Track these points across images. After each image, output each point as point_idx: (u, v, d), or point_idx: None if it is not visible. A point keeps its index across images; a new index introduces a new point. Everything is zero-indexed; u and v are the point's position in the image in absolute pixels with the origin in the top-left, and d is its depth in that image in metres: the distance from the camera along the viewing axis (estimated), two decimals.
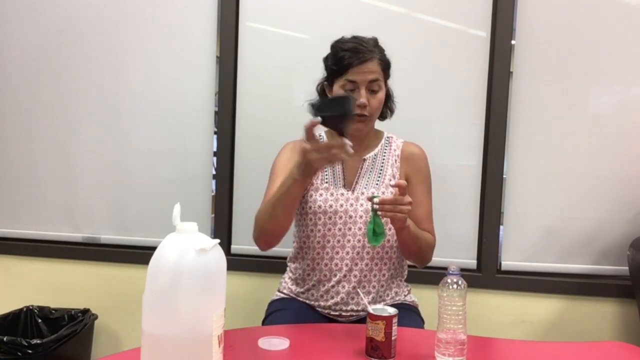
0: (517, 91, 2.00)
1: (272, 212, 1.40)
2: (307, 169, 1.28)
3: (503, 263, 2.04)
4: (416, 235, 1.44)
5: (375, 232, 1.34)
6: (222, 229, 2.12)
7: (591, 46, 1.97)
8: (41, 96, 2.21)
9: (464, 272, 1.18)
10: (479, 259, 2.04)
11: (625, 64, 1.96)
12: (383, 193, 1.48)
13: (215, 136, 2.14)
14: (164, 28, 2.13)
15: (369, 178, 1.53)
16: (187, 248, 0.91)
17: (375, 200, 1.31)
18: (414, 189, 1.52)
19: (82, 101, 2.18)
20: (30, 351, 1.81)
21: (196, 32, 2.12)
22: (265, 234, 1.46)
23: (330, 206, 1.49)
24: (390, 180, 1.51)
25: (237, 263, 2.08)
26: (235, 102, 2.10)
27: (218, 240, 0.95)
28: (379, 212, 1.32)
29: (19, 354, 1.81)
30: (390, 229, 1.49)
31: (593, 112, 1.99)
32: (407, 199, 1.29)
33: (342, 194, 1.50)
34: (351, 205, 1.49)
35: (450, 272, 1.12)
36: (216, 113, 2.13)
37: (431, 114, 2.03)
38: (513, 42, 1.98)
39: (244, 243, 2.11)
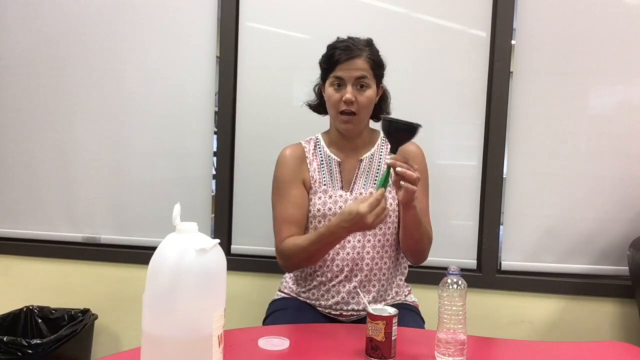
0: (517, 91, 2.00)
1: (310, 257, 1.44)
2: (360, 229, 1.32)
3: (503, 263, 2.04)
4: (420, 220, 1.40)
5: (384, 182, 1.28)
6: (222, 229, 2.12)
7: (591, 46, 1.97)
8: (41, 96, 2.21)
9: (464, 272, 1.18)
10: (479, 259, 2.04)
11: (625, 64, 1.96)
12: None
13: (215, 136, 2.14)
14: (164, 28, 2.13)
15: (366, 178, 1.53)
16: (187, 248, 0.91)
17: (389, 160, 1.25)
18: None
19: (82, 101, 2.18)
20: (30, 351, 1.81)
21: (196, 32, 2.12)
22: (299, 268, 1.54)
23: (330, 209, 1.49)
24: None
25: (237, 263, 2.08)
26: (235, 102, 2.10)
27: (218, 240, 0.95)
28: (389, 162, 1.24)
29: (19, 354, 1.81)
30: (388, 228, 1.49)
31: (593, 112, 1.99)
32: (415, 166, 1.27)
33: (341, 196, 1.50)
34: None
35: (450, 272, 1.12)
36: (216, 113, 2.13)
37: (431, 114, 2.03)
38: (513, 42, 1.98)
39: (244, 243, 2.11)
